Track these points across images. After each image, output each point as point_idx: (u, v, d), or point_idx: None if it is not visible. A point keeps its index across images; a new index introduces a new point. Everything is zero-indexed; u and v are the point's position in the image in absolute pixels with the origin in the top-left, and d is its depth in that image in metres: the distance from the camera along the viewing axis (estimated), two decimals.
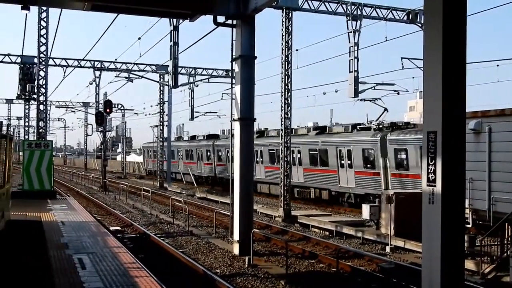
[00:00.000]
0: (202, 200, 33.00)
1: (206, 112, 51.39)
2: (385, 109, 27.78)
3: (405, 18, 26.19)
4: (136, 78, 38.63)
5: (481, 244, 13.56)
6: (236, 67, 15.93)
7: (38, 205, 21.97)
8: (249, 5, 15.36)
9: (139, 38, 29.51)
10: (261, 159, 35.08)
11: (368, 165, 25.55)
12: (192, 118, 48.15)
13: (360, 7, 25.00)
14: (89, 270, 10.40)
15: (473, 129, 16.87)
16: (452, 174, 8.21)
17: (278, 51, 24.58)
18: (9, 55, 35.41)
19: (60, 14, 22.81)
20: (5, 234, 14.52)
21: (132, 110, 67.74)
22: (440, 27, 8.16)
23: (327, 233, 19.98)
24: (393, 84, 29.31)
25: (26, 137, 59.94)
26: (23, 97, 36.94)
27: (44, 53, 28.26)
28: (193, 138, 49.80)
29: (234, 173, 16.05)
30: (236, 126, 15.93)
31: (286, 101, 24.46)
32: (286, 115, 24.61)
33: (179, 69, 30.61)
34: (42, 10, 27.63)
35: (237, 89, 15.85)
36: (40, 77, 28.90)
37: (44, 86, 28.99)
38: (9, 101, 68.88)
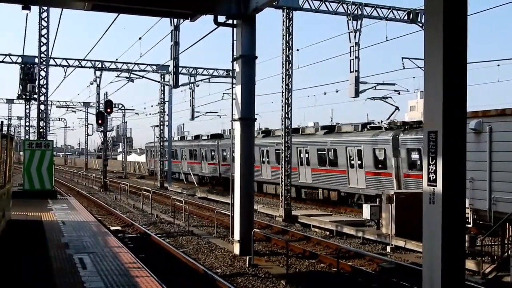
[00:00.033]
0: (202, 200, 33.00)
1: (207, 112, 51.46)
2: (397, 108, 27.16)
3: (406, 17, 26.17)
4: (136, 78, 38.62)
5: (482, 244, 13.57)
6: (237, 67, 15.93)
7: (38, 205, 21.98)
8: (250, 5, 15.36)
9: (140, 38, 29.55)
10: (267, 159, 34.32)
11: (380, 165, 24.87)
12: (192, 118, 48.16)
13: (360, 7, 24.98)
14: (90, 270, 10.40)
15: (474, 129, 16.86)
16: (453, 174, 8.21)
17: (279, 51, 24.61)
18: (10, 55, 35.41)
19: (61, 14, 22.85)
20: (5, 234, 14.54)
21: (133, 110, 67.84)
22: (441, 27, 8.16)
23: (328, 233, 19.97)
24: (394, 84, 29.29)
25: (27, 137, 59.86)
26: (23, 97, 36.95)
27: (45, 53, 28.29)
28: (196, 137, 48.71)
29: (235, 173, 16.06)
30: (237, 126, 15.93)
31: (286, 101, 24.46)
32: (286, 115, 24.61)
33: (180, 69, 30.58)
34: (43, 10, 27.65)
35: (238, 89, 15.85)
36: (40, 77, 28.92)
37: (44, 86, 29.02)
38: (9, 101, 68.93)
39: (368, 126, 26.96)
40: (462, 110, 8.35)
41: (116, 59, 38.78)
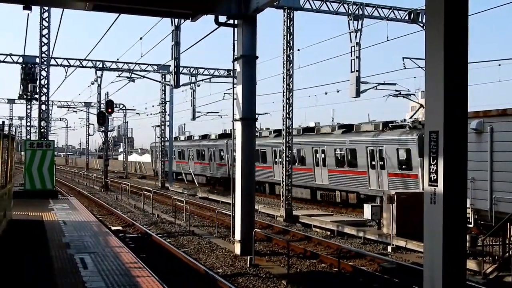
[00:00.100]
0: (203, 200, 33.01)
1: (208, 112, 51.38)
2: (421, 105, 26.01)
3: (407, 17, 26.16)
4: (137, 78, 38.60)
5: (483, 244, 13.55)
6: (238, 67, 15.93)
7: (39, 204, 22.00)
8: (251, 5, 15.36)
9: (141, 38, 29.54)
10: (280, 160, 32.80)
11: (403, 166, 23.63)
12: (193, 118, 48.15)
13: (361, 7, 24.97)
14: (91, 270, 10.41)
15: (475, 129, 16.87)
16: (454, 174, 8.20)
17: (280, 51, 24.60)
18: (11, 55, 35.42)
19: (62, 14, 22.86)
20: (7, 233, 14.55)
21: (134, 110, 67.70)
22: (442, 27, 8.15)
23: (329, 233, 19.97)
24: (394, 84, 29.27)
25: (28, 137, 59.90)
26: (25, 97, 36.96)
27: (46, 53, 28.32)
28: (204, 137, 47.40)
29: (236, 173, 16.07)
30: (238, 126, 15.94)
31: (287, 101, 24.46)
32: (287, 115, 24.61)
33: (181, 69, 30.54)
34: (44, 10, 27.67)
35: (239, 89, 15.85)
36: (42, 77, 28.95)
37: (46, 86, 29.04)
38: (11, 101, 68.97)
39: (390, 125, 25.73)
40: (463, 110, 8.34)
41: (117, 59, 38.81)
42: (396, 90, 29.25)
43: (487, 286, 12.05)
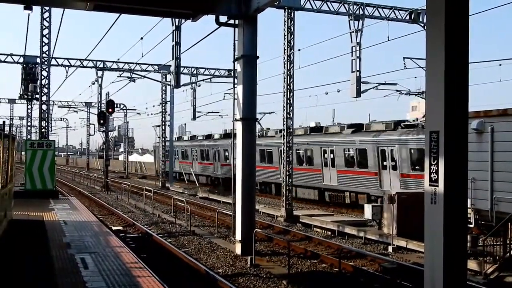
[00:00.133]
0: (204, 200, 33.01)
1: (208, 112, 51.42)
2: None
3: (408, 17, 26.16)
4: (138, 78, 38.61)
5: (484, 244, 13.55)
6: (238, 67, 15.93)
7: (40, 204, 22.01)
8: (251, 5, 15.35)
9: (141, 38, 29.58)
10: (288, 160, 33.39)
11: (417, 167, 22.93)
12: (194, 118, 48.17)
13: (362, 7, 24.98)
14: (92, 270, 10.41)
15: (476, 129, 16.86)
16: (455, 174, 8.19)
17: (280, 50, 24.60)
18: (11, 55, 35.45)
19: (63, 14, 22.86)
20: (7, 233, 14.55)
21: (134, 110, 67.76)
22: (443, 26, 8.15)
23: (329, 233, 19.97)
24: (395, 84, 29.33)
25: (29, 137, 59.91)
26: (25, 97, 36.96)
27: (47, 53, 28.32)
28: (208, 137, 46.93)
29: (236, 173, 16.06)
30: (238, 126, 15.93)
31: (288, 101, 24.45)
32: (288, 115, 24.61)
33: (181, 69, 30.56)
34: (45, 10, 27.68)
35: (239, 89, 15.85)
36: (42, 77, 28.97)
37: (46, 86, 29.06)
38: (11, 101, 69.03)
39: (401, 124, 25.20)
40: (464, 110, 8.34)
41: (118, 59, 38.81)
42: (397, 90, 29.31)
43: (488, 286, 12.04)
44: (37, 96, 30.68)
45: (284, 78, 24.33)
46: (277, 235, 18.76)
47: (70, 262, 11.10)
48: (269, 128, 40.42)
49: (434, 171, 8.28)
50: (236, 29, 15.94)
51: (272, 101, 54.27)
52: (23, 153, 52.24)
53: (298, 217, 23.10)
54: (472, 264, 13.05)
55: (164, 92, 44.76)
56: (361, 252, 15.65)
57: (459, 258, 8.25)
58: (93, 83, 43.51)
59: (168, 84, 41.16)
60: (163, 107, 45.27)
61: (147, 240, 17.78)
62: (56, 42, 32.54)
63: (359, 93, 25.35)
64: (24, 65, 33.79)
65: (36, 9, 26.06)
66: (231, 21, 15.92)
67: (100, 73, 40.80)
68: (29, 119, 56.64)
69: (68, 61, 36.84)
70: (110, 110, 32.58)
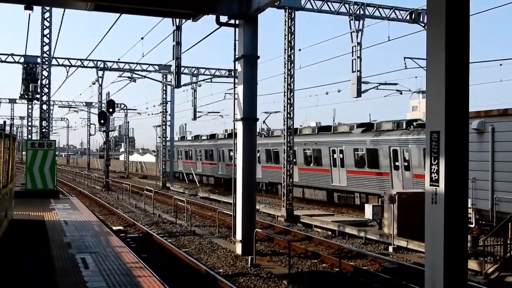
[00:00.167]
0: (204, 199, 33.01)
1: (209, 112, 51.43)
2: None
3: (408, 17, 26.16)
4: (139, 78, 38.63)
5: (484, 244, 13.55)
6: (239, 67, 15.94)
7: (41, 204, 22.01)
8: (252, 5, 15.36)
9: (142, 38, 29.60)
10: (295, 160, 30.51)
11: None
12: (194, 118, 48.16)
13: (363, 7, 24.97)
14: (92, 270, 10.41)
15: (476, 129, 16.86)
16: (455, 174, 8.19)
17: (281, 50, 24.60)
18: (12, 55, 35.47)
19: (63, 14, 22.87)
20: (8, 233, 14.56)
21: (135, 110, 67.84)
22: (443, 26, 8.14)
23: (330, 233, 19.97)
24: (396, 84, 29.32)
25: (29, 136, 59.99)
26: (26, 97, 37.01)
27: (47, 53, 28.34)
28: (212, 136, 46.12)
29: (237, 173, 16.06)
30: (239, 126, 15.93)
31: (288, 101, 24.45)
32: (288, 115, 24.61)
33: (182, 69, 30.58)
34: (45, 10, 27.71)
35: (240, 89, 15.85)
36: (43, 77, 29.00)
37: (47, 86, 29.08)
38: (12, 101, 69.09)
39: (414, 123, 24.60)
40: (464, 110, 8.34)
41: (118, 59, 38.82)
42: (397, 90, 29.30)
43: (489, 286, 12.04)
44: (38, 96, 30.71)
45: (285, 78, 24.33)
46: (278, 235, 18.77)
47: (70, 262, 11.10)
48: (269, 128, 40.37)
49: (434, 171, 8.28)
50: (237, 29, 15.94)
51: (273, 101, 54.45)
52: (23, 153, 52.26)
53: (298, 217, 23.09)
54: (472, 264, 13.06)
55: (164, 92, 44.77)
56: (362, 252, 15.65)
57: (459, 258, 8.24)
58: (94, 83, 43.55)
59: (169, 84, 41.15)
60: (164, 107, 45.28)
61: (148, 240, 17.78)
62: (56, 42, 32.78)
63: (359, 93, 25.34)
64: (25, 65, 33.81)
65: (37, 9, 26.13)
66: (232, 21, 15.92)
67: (100, 73, 40.83)
68: (29, 119, 56.76)
69: (69, 61, 36.85)
70: (111, 110, 32.57)
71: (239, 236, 15.60)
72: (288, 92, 24.37)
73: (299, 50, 26.01)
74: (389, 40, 24.67)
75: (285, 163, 24.93)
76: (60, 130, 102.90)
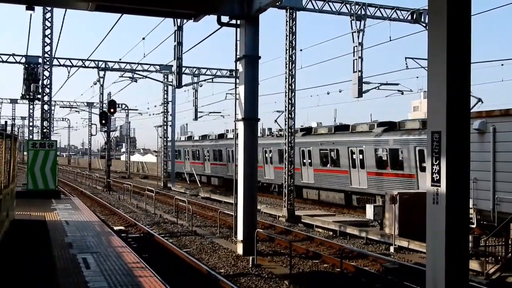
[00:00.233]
0: (206, 200, 33.02)
1: (210, 112, 51.36)
2: (479, 100, 23.15)
3: (409, 18, 26.15)
4: (140, 78, 38.66)
5: (486, 244, 13.54)
6: (240, 67, 15.94)
7: (42, 204, 22.03)
8: (253, 5, 15.36)
9: (143, 38, 29.61)
10: (309, 161, 30.53)
11: None
12: (196, 118, 48.14)
13: (364, 7, 24.97)
14: (93, 270, 10.42)
15: (478, 129, 16.85)
16: (457, 174, 8.18)
17: (282, 51, 24.61)
18: (13, 55, 35.49)
19: (65, 14, 22.88)
20: (9, 233, 14.57)
21: (136, 110, 67.91)
22: (445, 27, 8.14)
23: (331, 233, 19.96)
24: (397, 84, 29.28)
25: (31, 137, 60.02)
26: (27, 97, 37.03)
27: (49, 53, 28.36)
28: (221, 136, 45.32)
29: (238, 173, 16.07)
30: (240, 126, 15.94)
31: (290, 101, 24.45)
32: (290, 115, 24.60)
33: (183, 69, 30.63)
34: (47, 11, 27.73)
35: (241, 89, 15.85)
36: (44, 77, 29.01)
37: (48, 86, 29.09)
38: (13, 101, 69.08)
39: None
40: (465, 110, 8.33)
41: (120, 59, 38.84)
42: (399, 90, 29.25)
43: (490, 287, 12.04)
44: (39, 96, 30.75)
45: (286, 78, 24.33)
46: (279, 235, 18.77)
47: (72, 262, 11.11)
48: (270, 128, 40.35)
49: (436, 171, 8.27)
50: (238, 29, 15.94)
51: (274, 101, 54.39)
52: (25, 153, 52.32)
53: (299, 217, 23.09)
54: (474, 265, 13.05)
55: (165, 92, 44.80)
56: (363, 252, 15.64)
57: (461, 258, 8.23)
58: (95, 83, 43.58)
59: (170, 84, 41.16)
60: (165, 107, 45.30)
61: (149, 240, 17.79)
62: (58, 42, 32.82)
63: (360, 93, 25.34)
64: (26, 65, 33.86)
65: (38, 9, 26.14)
66: (233, 21, 15.93)
67: (102, 73, 40.84)
68: (31, 119, 56.78)
69: (70, 61, 36.87)
70: (112, 110, 32.57)
71: (240, 236, 15.60)
72: (289, 92, 24.37)
73: (300, 50, 26.06)
74: (390, 40, 24.74)
75: (286, 163, 24.92)
76: (62, 130, 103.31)
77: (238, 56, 16.05)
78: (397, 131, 24.97)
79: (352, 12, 24.77)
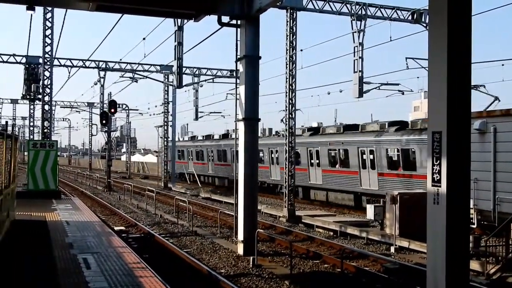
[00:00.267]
0: (206, 200, 33.03)
1: (211, 112, 51.36)
2: (496, 98, 22.97)
3: (410, 18, 26.14)
4: (140, 78, 38.69)
5: (486, 244, 13.53)
6: (241, 67, 15.94)
7: (43, 205, 22.03)
8: (254, 5, 15.37)
9: (144, 39, 29.62)
10: (317, 161, 29.96)
11: None
12: (196, 118, 48.14)
13: (364, 7, 24.96)
14: (94, 270, 10.42)
15: (478, 129, 16.83)
16: (457, 174, 8.18)
17: (283, 51, 24.60)
18: (14, 55, 35.52)
19: (65, 15, 22.90)
20: (10, 234, 14.57)
21: (137, 110, 67.96)
22: (445, 26, 8.13)
23: (332, 233, 19.95)
24: (397, 84, 29.27)
25: (31, 137, 60.06)
26: (28, 97, 37.03)
27: (49, 53, 28.35)
28: (225, 136, 44.42)
29: (239, 173, 16.07)
30: (241, 126, 15.94)
31: (290, 101, 24.45)
32: (290, 115, 24.60)
33: (184, 69, 30.59)
34: (47, 11, 27.73)
35: (242, 89, 15.85)
36: (45, 77, 29.00)
37: (49, 86, 29.08)
38: (14, 101, 69.15)
39: None
40: (466, 110, 8.32)
41: (120, 60, 38.87)
42: (399, 91, 29.25)
43: (490, 287, 12.03)
44: (40, 96, 30.75)
45: (286, 78, 24.34)
46: (279, 236, 18.76)
47: (72, 262, 11.11)
48: (271, 128, 40.32)
49: (436, 172, 8.26)
50: (239, 30, 15.95)
51: (275, 101, 54.30)
52: (25, 153, 52.36)
53: (300, 218, 23.09)
54: (474, 265, 13.04)
55: (166, 92, 44.82)
56: (363, 252, 15.63)
57: (461, 258, 8.23)
58: (96, 84, 43.62)
59: (170, 85, 41.20)
60: (165, 108, 45.32)
61: (149, 241, 17.79)
62: (58, 43, 32.88)
63: (361, 93, 25.31)
64: (27, 66, 33.88)
65: (39, 9, 26.14)
66: (234, 22, 15.94)
67: (102, 73, 40.86)
68: (31, 119, 56.79)
69: (71, 62, 36.90)
70: (112, 110, 32.57)
71: (240, 236, 15.60)
72: (290, 92, 24.37)
73: (301, 50, 26.05)
74: (391, 40, 24.67)
75: (287, 163, 24.92)
76: (62, 130, 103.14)
77: (238, 56, 16.06)
78: (409, 131, 24.34)
79: (352, 12, 24.76)
